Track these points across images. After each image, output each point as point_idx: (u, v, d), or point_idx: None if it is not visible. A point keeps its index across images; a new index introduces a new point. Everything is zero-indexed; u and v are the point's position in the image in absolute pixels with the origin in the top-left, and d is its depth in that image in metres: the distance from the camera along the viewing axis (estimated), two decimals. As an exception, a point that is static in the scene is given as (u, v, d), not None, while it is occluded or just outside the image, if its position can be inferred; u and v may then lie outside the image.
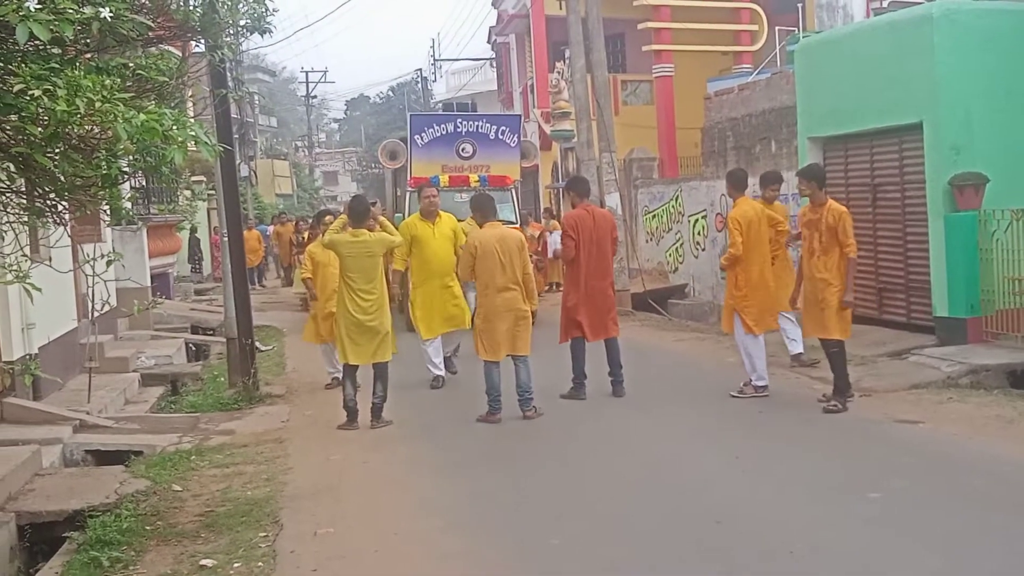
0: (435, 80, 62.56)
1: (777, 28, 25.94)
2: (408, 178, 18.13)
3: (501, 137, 18.42)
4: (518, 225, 17.40)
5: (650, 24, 25.74)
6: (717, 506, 6.92)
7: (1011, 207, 11.36)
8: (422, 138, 18.10)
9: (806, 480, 7.51)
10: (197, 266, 31.63)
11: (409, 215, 17.57)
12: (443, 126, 18.36)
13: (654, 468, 8.06)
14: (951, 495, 6.99)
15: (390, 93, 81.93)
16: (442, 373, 11.91)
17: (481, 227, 10.26)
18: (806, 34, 21.24)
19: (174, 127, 5.26)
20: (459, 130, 18.29)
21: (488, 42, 43.00)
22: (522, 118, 21.32)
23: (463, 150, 18.20)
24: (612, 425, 9.59)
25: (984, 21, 12.46)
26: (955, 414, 9.25)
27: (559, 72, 24.72)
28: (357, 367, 10.25)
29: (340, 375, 10.88)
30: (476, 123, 18.57)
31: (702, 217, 19.69)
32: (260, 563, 6.23)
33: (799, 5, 25.20)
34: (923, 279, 12.71)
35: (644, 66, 27.51)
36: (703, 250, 19.72)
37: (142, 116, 5.21)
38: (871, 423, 9.02)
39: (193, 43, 9.34)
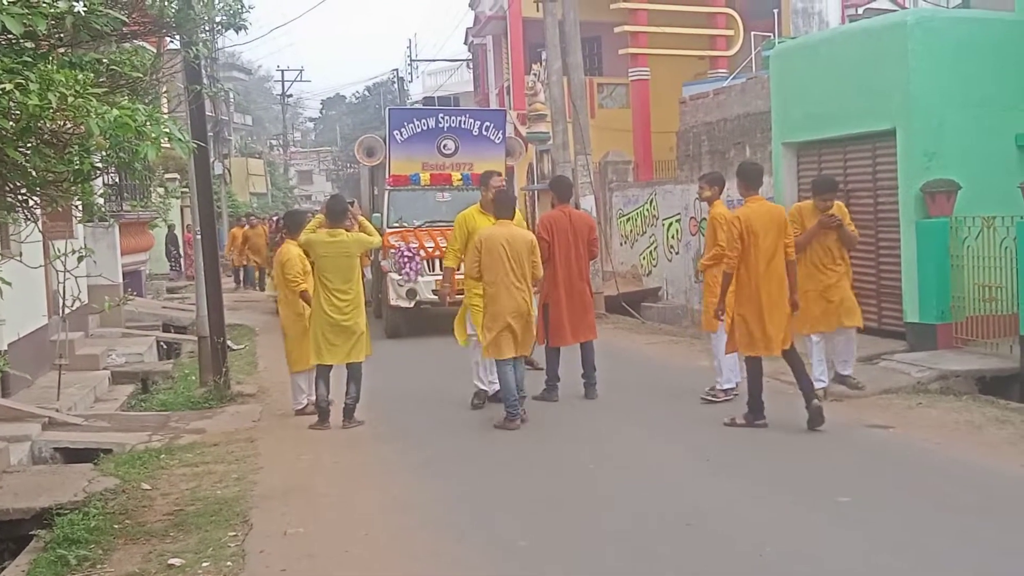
0: (411, 80, 62.66)
1: (753, 33, 26.03)
2: (386, 176, 17.67)
3: (485, 133, 17.87)
4: None
5: (627, 28, 25.77)
6: (687, 508, 6.94)
7: (982, 214, 11.43)
8: (401, 134, 17.50)
9: (776, 483, 7.54)
10: (176, 264, 31.39)
11: (387, 215, 17.30)
12: (424, 121, 17.72)
13: (625, 470, 8.07)
14: (920, 499, 7.04)
15: (366, 93, 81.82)
16: (487, 389, 10.66)
17: (496, 223, 10.00)
18: (781, 40, 21.34)
19: (147, 123, 5.23)
20: (441, 126, 17.67)
21: (465, 43, 42.99)
22: (507, 113, 20.70)
23: (445, 147, 17.67)
24: (584, 427, 9.60)
25: (958, 29, 12.57)
26: (925, 419, 9.31)
27: (535, 74, 24.69)
28: (331, 367, 10.21)
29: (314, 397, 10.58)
30: (459, 118, 17.96)
31: (676, 220, 19.73)
32: (229, 562, 6.20)
33: (775, 11, 25.31)
34: (894, 285, 12.78)
35: (620, 69, 27.54)
36: (677, 254, 19.76)
37: (115, 111, 5.18)
38: (841, 427, 9.06)
39: (168, 39, 9.31)
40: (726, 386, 10.41)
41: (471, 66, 44.84)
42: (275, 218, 26.36)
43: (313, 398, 10.55)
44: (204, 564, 6.18)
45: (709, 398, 10.37)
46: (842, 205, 10.46)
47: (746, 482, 7.63)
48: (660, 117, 24.84)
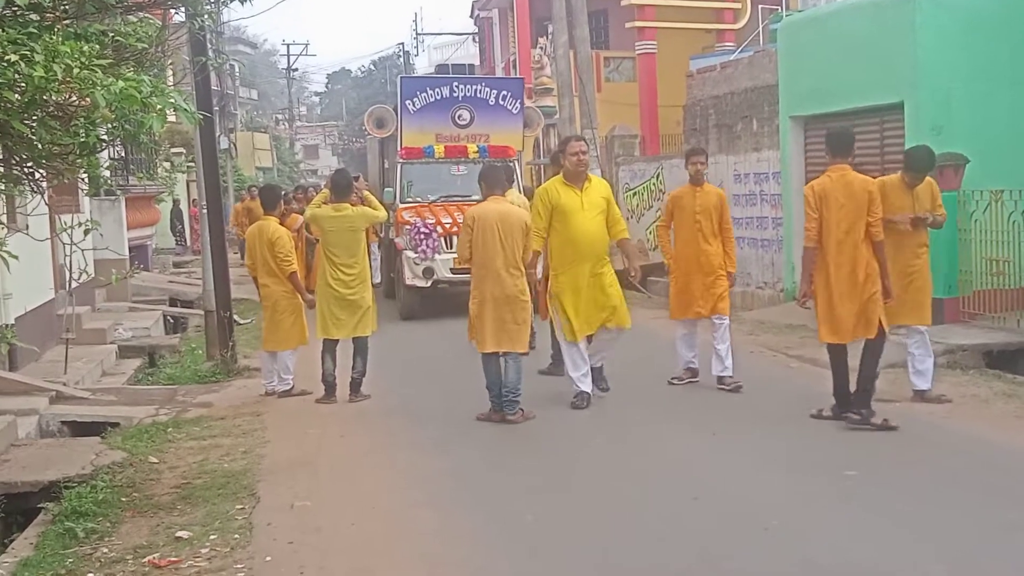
0: (417, 54, 62.41)
1: (760, 6, 25.87)
2: (398, 148, 16.85)
3: (502, 103, 17.00)
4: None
5: (633, 1, 25.63)
6: (694, 483, 6.94)
7: (990, 188, 11.39)
8: (414, 104, 16.62)
9: (783, 459, 7.54)
10: (180, 238, 31.37)
11: (400, 189, 16.46)
12: (438, 90, 16.83)
13: (630, 446, 8.08)
14: (926, 474, 7.04)
15: (372, 67, 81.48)
16: (587, 390, 9.30)
17: (485, 199, 9.26)
18: (789, 13, 21.24)
19: (153, 94, 5.21)
20: (455, 95, 16.82)
21: (471, 16, 42.78)
22: (524, 82, 19.25)
23: (459, 117, 16.82)
24: (590, 404, 9.57)
25: (966, 2, 12.46)
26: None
27: (542, 48, 24.62)
28: (337, 342, 10.20)
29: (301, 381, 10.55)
30: (474, 87, 17.09)
31: (683, 195, 19.67)
32: (236, 535, 6.21)
33: (783, -16, 25.19)
34: (902, 259, 12.71)
35: (627, 43, 27.39)
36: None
37: (121, 83, 5.17)
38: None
39: (173, 11, 9.27)
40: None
41: (477, 40, 44.65)
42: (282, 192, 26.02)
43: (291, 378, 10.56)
44: (212, 537, 6.20)
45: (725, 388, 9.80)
46: (933, 183, 9.12)
47: (753, 457, 7.63)
48: (667, 91, 24.71)
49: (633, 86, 26.74)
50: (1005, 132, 12.23)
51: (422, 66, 60.06)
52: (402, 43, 65.38)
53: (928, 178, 8.99)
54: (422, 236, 15.47)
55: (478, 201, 9.80)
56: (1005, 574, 5.27)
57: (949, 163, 11.89)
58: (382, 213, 10.67)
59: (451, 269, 14.97)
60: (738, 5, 26.63)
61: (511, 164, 16.49)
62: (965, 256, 11.85)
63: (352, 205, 10.25)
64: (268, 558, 5.82)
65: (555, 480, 7.21)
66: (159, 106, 5.25)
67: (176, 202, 30.19)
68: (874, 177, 8.80)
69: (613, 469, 7.44)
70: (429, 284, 15.62)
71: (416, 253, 15.54)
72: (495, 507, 6.67)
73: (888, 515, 6.15)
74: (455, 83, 17.03)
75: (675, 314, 10.24)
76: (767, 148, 16.38)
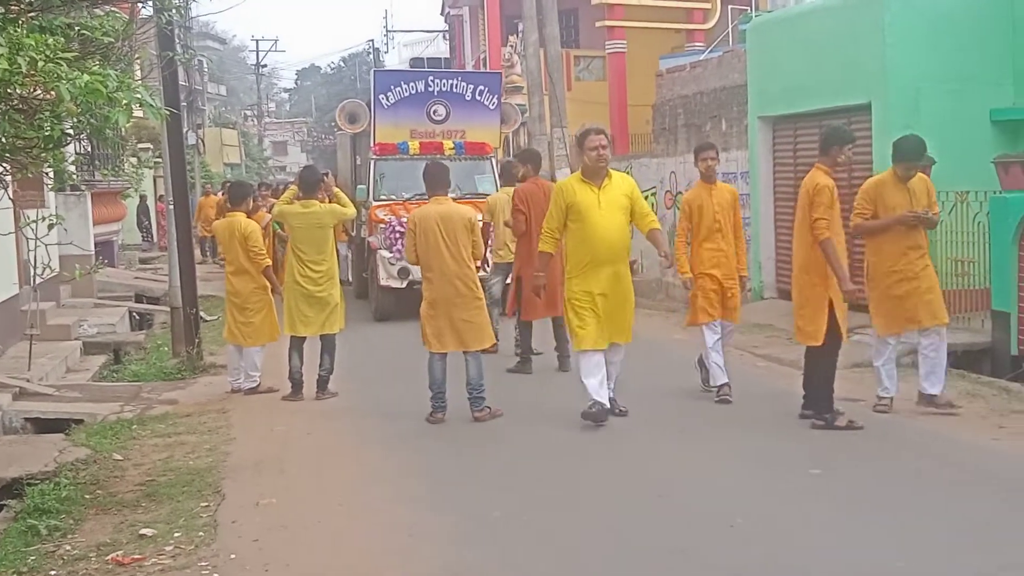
0: (387, 52, 62.30)
1: (730, 7, 25.98)
2: (371, 145, 16.39)
3: (479, 98, 16.54)
4: None
5: (604, 0, 25.68)
6: (659, 479, 6.98)
7: (956, 189, 11.47)
8: (387, 98, 16.15)
9: (749, 456, 7.58)
10: (147, 234, 31.16)
11: (373, 186, 16.15)
12: (412, 84, 16.34)
13: (597, 442, 8.08)
14: (891, 472, 7.10)
15: (341, 64, 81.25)
16: (604, 400, 8.43)
17: (429, 200, 9.11)
18: (758, 13, 21.32)
19: (119, 89, 5.16)
20: (430, 89, 16.32)
21: (441, 14, 42.74)
22: (502, 76, 18.98)
23: (435, 112, 16.35)
24: (556, 399, 9.57)
25: (935, 4, 12.57)
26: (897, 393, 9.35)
27: (512, 46, 24.62)
28: (304, 339, 10.17)
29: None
30: (450, 81, 16.62)
31: (652, 194, 19.70)
32: (201, 533, 6.17)
33: (752, -16, 25.30)
34: (868, 259, 12.80)
35: (597, 42, 27.42)
36: (652, 227, 19.70)
37: (86, 77, 5.12)
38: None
39: (141, 6, 9.21)
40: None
41: (447, 37, 44.61)
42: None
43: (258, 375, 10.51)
44: (176, 535, 6.15)
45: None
46: (926, 178, 8.83)
47: (719, 454, 7.67)
48: (637, 90, 24.76)
49: (603, 85, 26.78)
50: (972, 133, 12.32)
51: (392, 63, 60.01)
52: (372, 40, 65.39)
53: (921, 173, 8.73)
54: (397, 235, 14.60)
55: (456, 199, 9.75)
56: (965, 571, 5.31)
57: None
58: (351, 210, 10.65)
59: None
60: (708, 5, 26.71)
61: (487, 160, 16.47)
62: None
63: (321, 202, 10.22)
64: (233, 556, 5.78)
65: (522, 477, 7.22)
66: (125, 101, 5.20)
67: (143, 198, 29.97)
68: (841, 178, 8.84)
69: (580, 466, 7.45)
70: (404, 285, 15.01)
71: (391, 252, 15.00)
72: (462, 504, 6.65)
73: (851, 512, 6.21)
74: (430, 77, 16.60)
75: (699, 318, 9.45)
76: (736, 148, 16.45)
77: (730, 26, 25.10)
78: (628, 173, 20.91)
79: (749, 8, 24.31)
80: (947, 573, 5.32)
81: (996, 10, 12.65)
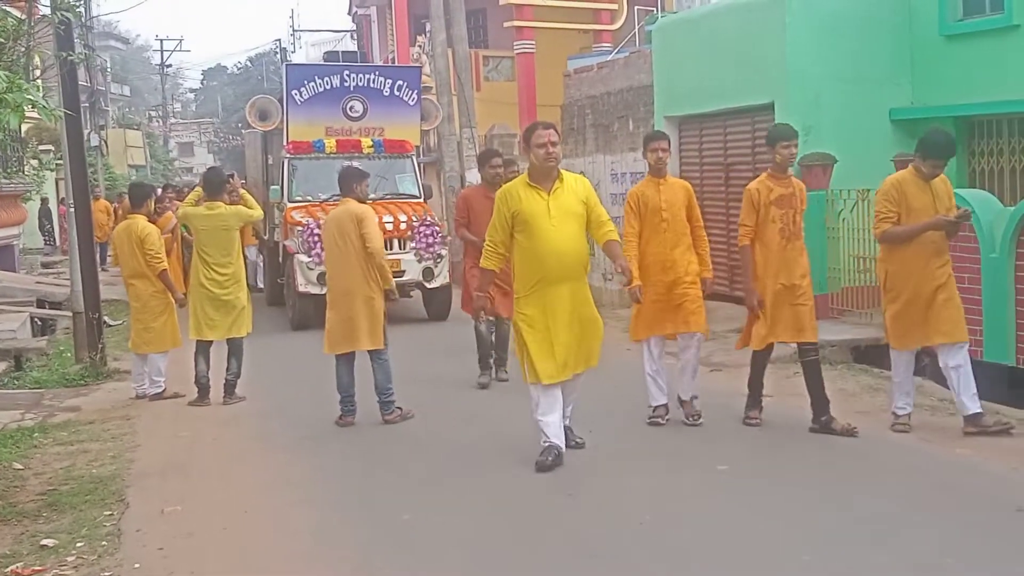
0: (294, 51, 61.74)
1: (636, 8, 26.23)
2: (284, 143, 15.79)
3: (398, 93, 16.10)
4: (422, 200, 15.75)
5: (512, 0, 25.75)
6: (568, 479, 6.99)
7: (857, 187, 11.71)
8: (301, 94, 15.57)
9: (656, 453, 7.64)
10: (49, 238, 30.49)
11: (287, 187, 15.51)
12: (327, 79, 15.78)
13: (506, 442, 8.06)
14: (795, 466, 7.22)
15: (248, 63, 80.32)
16: (559, 443, 7.27)
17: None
18: (664, 14, 21.55)
19: (9, 90, 5.04)
20: (347, 84, 15.82)
21: (349, 13, 42.45)
22: (421, 71, 18.37)
23: (352, 109, 15.86)
24: (472, 404, 9.59)
25: (835, 4, 12.84)
26: (800, 388, 9.43)
27: (420, 46, 24.52)
28: (211, 343, 10.04)
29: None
30: (367, 76, 16.10)
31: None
32: (104, 542, 6.06)
33: (658, -15, 25.55)
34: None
35: (506, 42, 27.50)
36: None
37: (-25, 78, 4.99)
38: (720, 396, 9.18)
39: (39, 4, 9.02)
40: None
41: (355, 37, 44.34)
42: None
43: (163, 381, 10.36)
44: (78, 545, 6.03)
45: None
46: (946, 178, 7.96)
47: (626, 452, 7.72)
48: (545, 90, 24.87)
49: (512, 85, 26.87)
50: (872, 132, 12.65)
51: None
52: (279, 39, 64.72)
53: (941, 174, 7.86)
54: (316, 238, 13.72)
55: (375, 200, 9.62)
56: (864, 557, 5.42)
57: (817, 163, 12.23)
58: (257, 212, 10.55)
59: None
60: (615, 6, 26.94)
61: (408, 159, 16.11)
62: (834, 253, 12.17)
63: (226, 204, 10.10)
64: (137, 565, 5.69)
65: (430, 478, 7.20)
66: (16, 102, 5.08)
67: (44, 201, 29.33)
68: (745, 178, 8.89)
69: (488, 465, 7.45)
70: (324, 291, 14.59)
71: (310, 257, 14.23)
72: (371, 507, 6.62)
73: (756, 506, 6.31)
74: (346, 72, 16.05)
75: (640, 334, 8.49)
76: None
77: (636, 27, 25.35)
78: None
79: (655, 9, 24.55)
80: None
81: (895, 11, 12.97)
